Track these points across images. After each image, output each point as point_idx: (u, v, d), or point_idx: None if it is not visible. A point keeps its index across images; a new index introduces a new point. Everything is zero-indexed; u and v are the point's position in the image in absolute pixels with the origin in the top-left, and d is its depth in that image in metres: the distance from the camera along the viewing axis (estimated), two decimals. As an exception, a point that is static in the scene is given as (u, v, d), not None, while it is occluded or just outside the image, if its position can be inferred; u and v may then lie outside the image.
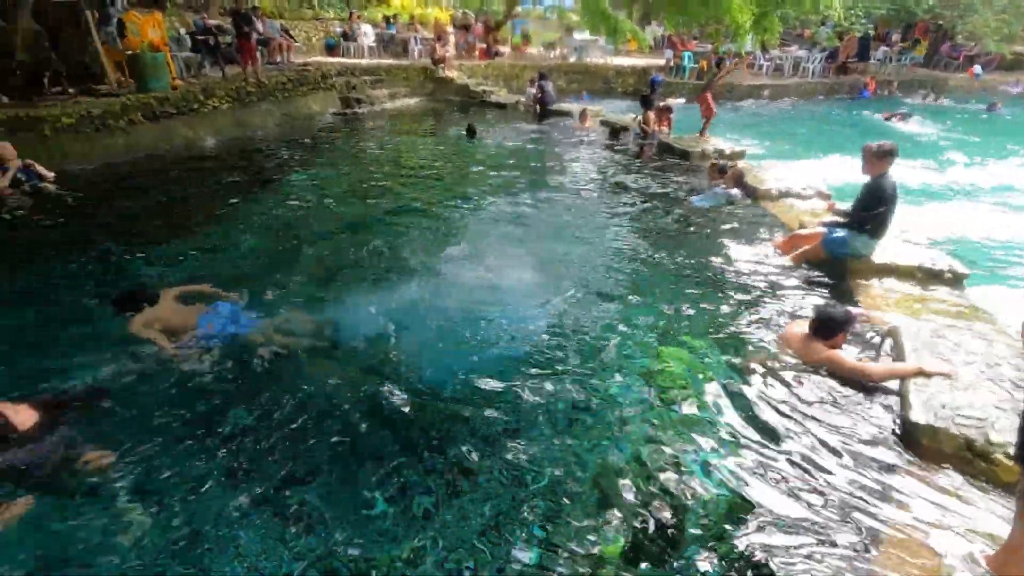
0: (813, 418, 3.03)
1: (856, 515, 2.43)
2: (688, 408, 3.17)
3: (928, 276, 4.45)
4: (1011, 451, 2.50)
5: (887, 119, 13.84)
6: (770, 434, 2.94)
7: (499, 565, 2.26)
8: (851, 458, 2.75)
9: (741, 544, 2.32)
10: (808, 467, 2.71)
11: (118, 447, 2.74)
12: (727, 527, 2.41)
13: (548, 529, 2.41)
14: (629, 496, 2.58)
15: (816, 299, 4.34)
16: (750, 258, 5.14)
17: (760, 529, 2.39)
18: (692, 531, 2.41)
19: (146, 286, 4.06)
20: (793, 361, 3.50)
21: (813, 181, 6.98)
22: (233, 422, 3.03)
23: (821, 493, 2.56)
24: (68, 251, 5.17)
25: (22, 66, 7.86)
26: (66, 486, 2.52)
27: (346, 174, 8.19)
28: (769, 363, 3.51)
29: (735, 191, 6.73)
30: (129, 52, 9.08)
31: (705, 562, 2.27)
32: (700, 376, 3.43)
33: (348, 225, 6.10)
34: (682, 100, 15.27)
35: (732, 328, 3.97)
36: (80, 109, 7.62)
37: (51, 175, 6.67)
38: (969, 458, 2.63)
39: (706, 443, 2.89)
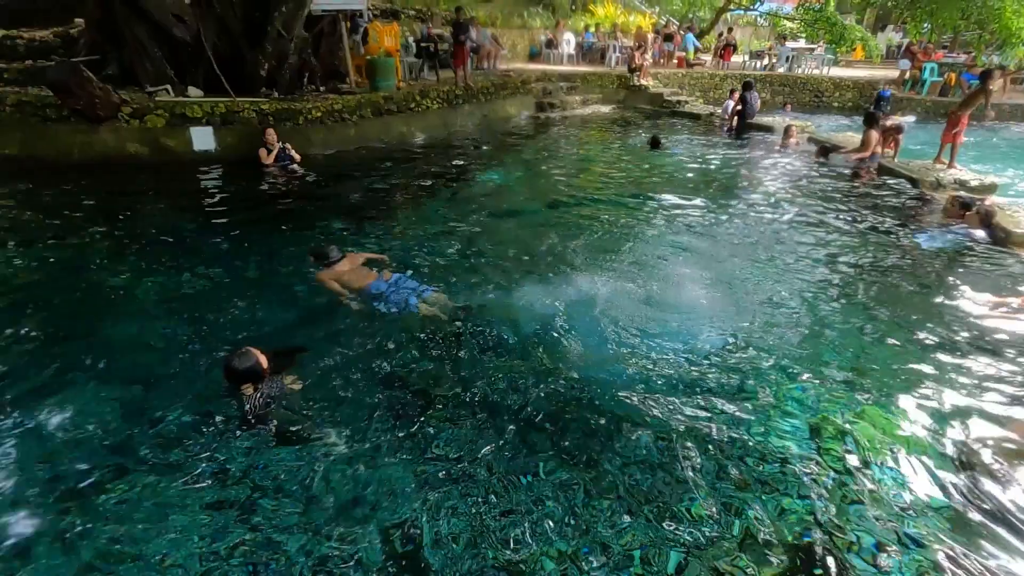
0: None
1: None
2: (870, 482, 2.73)
3: None
4: None
5: None
6: (970, 539, 2.41)
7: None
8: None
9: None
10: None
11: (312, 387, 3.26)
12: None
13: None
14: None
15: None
16: (992, 317, 4.24)
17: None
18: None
19: (335, 247, 4.68)
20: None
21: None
22: (394, 377, 3.46)
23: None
24: (302, 216, 6.24)
25: (291, 68, 9.59)
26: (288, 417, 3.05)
27: (529, 173, 8.58)
28: (996, 456, 2.86)
29: (979, 232, 5.61)
30: (368, 57, 10.55)
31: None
32: (895, 449, 2.93)
33: (526, 220, 6.41)
34: (912, 118, 13.12)
35: (954, 400, 3.32)
36: (326, 104, 9.07)
37: (298, 157, 8.06)
38: None
39: (882, 529, 2.46)
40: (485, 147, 10.15)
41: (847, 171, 8.36)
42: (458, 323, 4.10)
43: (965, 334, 4.04)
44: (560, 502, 2.58)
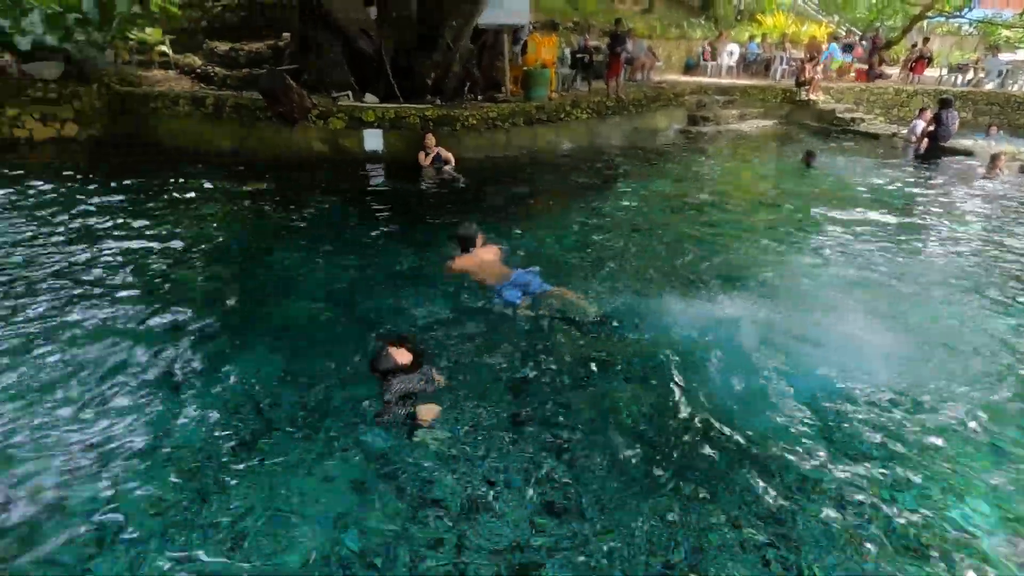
0: None
1: None
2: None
3: None
4: None
5: None
6: None
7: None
8: None
9: None
10: None
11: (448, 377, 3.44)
12: None
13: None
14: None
15: None
16: None
17: None
18: None
19: (474, 236, 4.89)
20: None
21: None
22: (519, 372, 3.56)
23: None
24: (450, 215, 6.62)
25: (455, 77, 10.28)
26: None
27: (674, 186, 8.32)
28: None
29: None
30: (525, 68, 10.94)
31: None
32: None
33: (666, 234, 6.25)
34: None
35: None
36: (482, 112, 9.58)
37: (453, 160, 8.60)
38: None
39: None
40: (631, 159, 10.01)
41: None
42: (586, 330, 4.10)
43: None
44: (667, 546, 2.44)
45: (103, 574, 2.29)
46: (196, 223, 6.30)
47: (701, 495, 2.68)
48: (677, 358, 3.74)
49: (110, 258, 5.26)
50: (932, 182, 8.62)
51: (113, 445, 2.95)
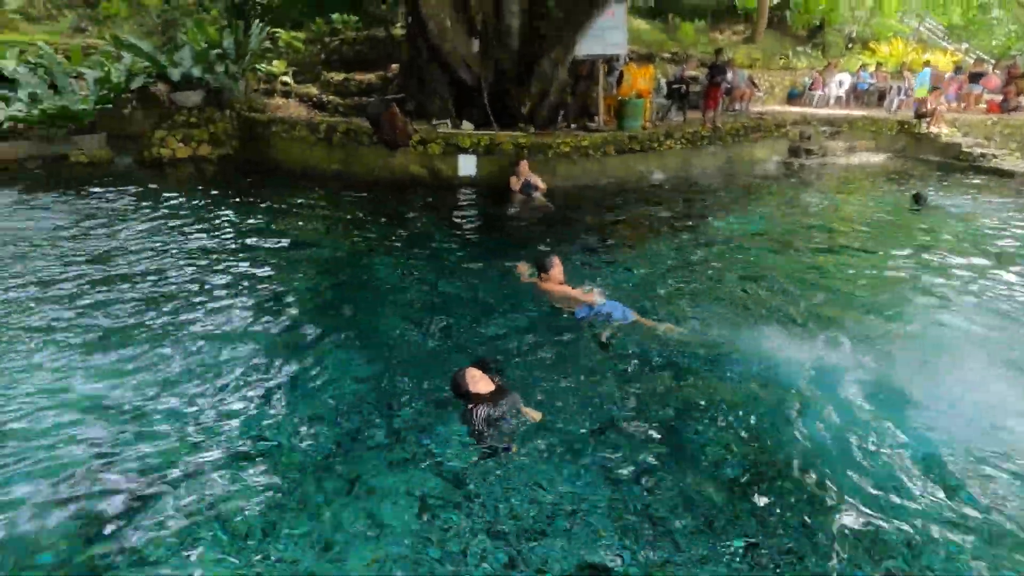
0: None
1: None
2: None
3: None
4: None
5: None
6: None
7: None
8: None
9: None
10: None
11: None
12: None
13: None
14: None
15: None
16: None
17: None
18: None
19: (549, 262, 4.91)
20: None
21: None
22: (600, 399, 3.51)
23: None
24: (538, 241, 6.72)
25: (549, 106, 10.49)
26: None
27: (772, 220, 7.96)
28: None
29: None
30: (619, 98, 10.96)
31: None
32: None
33: (760, 269, 5.98)
34: None
35: None
36: (575, 141, 9.68)
37: (544, 187, 8.72)
38: None
39: None
40: (726, 190, 9.68)
41: None
42: (673, 366, 3.97)
43: None
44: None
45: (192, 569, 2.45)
46: (302, 237, 6.82)
47: (786, 555, 2.47)
48: (770, 402, 3.54)
49: (225, 265, 5.81)
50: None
51: (213, 445, 3.19)
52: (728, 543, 2.52)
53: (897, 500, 2.77)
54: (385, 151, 9.61)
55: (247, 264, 5.85)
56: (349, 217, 7.71)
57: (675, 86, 12.59)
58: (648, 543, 2.51)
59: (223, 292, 5.16)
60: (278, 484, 2.89)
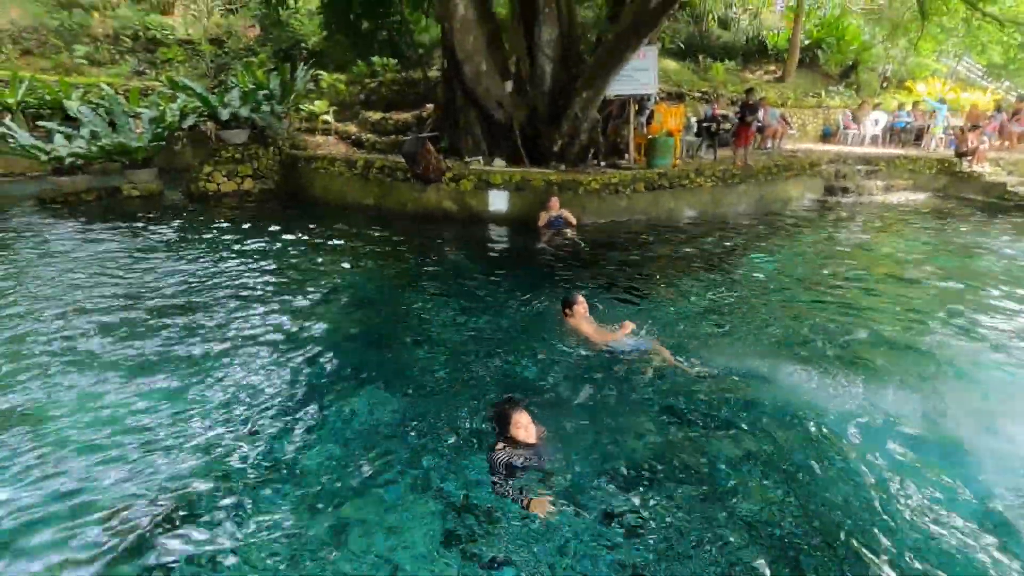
0: None
1: None
2: None
3: None
4: None
5: None
6: None
7: None
8: None
9: None
10: None
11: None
12: None
13: None
14: None
15: None
16: None
17: None
18: None
19: (574, 300, 4.93)
20: None
21: None
22: (627, 452, 3.38)
23: None
24: (566, 276, 6.72)
25: (580, 144, 10.67)
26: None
27: (805, 260, 7.79)
28: None
29: None
30: (649, 136, 11.08)
31: None
32: None
33: (795, 309, 5.86)
34: None
35: None
36: (605, 178, 9.78)
37: (574, 222, 8.79)
38: None
39: None
40: (758, 228, 9.56)
41: None
42: (702, 411, 3.88)
43: None
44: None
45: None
46: (337, 269, 7.00)
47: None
48: (812, 453, 3.40)
49: (262, 295, 6.00)
50: None
51: (240, 474, 3.26)
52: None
53: (950, 558, 2.62)
54: (419, 186, 9.88)
55: (284, 294, 6.03)
56: (383, 250, 7.90)
57: (705, 124, 12.67)
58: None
59: (259, 322, 5.31)
60: (301, 517, 2.91)
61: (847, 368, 4.41)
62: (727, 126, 12.62)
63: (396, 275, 6.89)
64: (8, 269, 6.63)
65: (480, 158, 10.63)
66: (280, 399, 3.99)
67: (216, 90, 12.53)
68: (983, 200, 11.84)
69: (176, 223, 8.93)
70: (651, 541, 2.77)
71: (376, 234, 8.75)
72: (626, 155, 11.23)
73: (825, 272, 7.17)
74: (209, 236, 8.21)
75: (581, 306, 4.90)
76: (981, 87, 18.79)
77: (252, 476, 3.20)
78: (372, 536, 2.80)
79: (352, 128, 13.33)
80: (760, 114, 12.25)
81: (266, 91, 11.79)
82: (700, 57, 17.78)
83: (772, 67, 18.80)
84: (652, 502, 3.03)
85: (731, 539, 2.77)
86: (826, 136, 16.19)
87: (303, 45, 16.63)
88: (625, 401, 3.99)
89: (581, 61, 10.94)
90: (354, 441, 3.55)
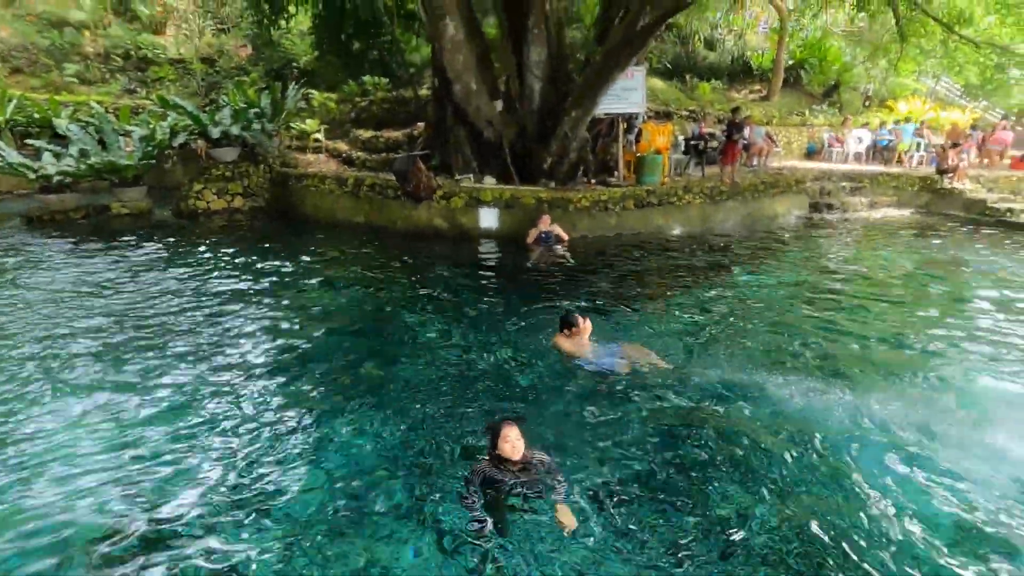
0: None
1: None
2: None
3: None
4: None
5: None
6: None
7: None
8: None
9: None
10: None
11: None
12: None
13: None
14: None
15: None
16: None
17: None
18: None
19: (573, 320, 4.89)
20: None
21: None
22: (620, 467, 3.33)
23: None
24: (556, 292, 6.73)
25: (570, 162, 10.79)
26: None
27: (791, 275, 7.87)
28: None
29: None
30: (638, 154, 11.23)
31: None
32: None
33: (783, 323, 5.94)
34: None
35: None
36: (594, 195, 9.88)
37: (566, 238, 8.86)
38: None
39: None
40: (745, 244, 9.68)
41: None
42: (693, 426, 3.89)
43: None
44: None
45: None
46: (328, 287, 6.97)
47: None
48: (799, 467, 3.42)
49: (251, 314, 5.95)
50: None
51: (230, 496, 3.22)
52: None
53: (935, 567, 2.63)
54: (410, 204, 9.91)
55: (273, 312, 6.00)
56: (373, 267, 7.89)
57: (693, 142, 12.87)
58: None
59: (247, 341, 5.27)
60: (293, 540, 2.87)
61: (832, 381, 4.46)
62: (714, 144, 12.82)
63: (386, 292, 6.87)
64: (-8, 288, 6.55)
65: (470, 176, 10.70)
66: (267, 421, 3.95)
67: (207, 108, 12.55)
68: (964, 216, 12.07)
69: (165, 241, 8.88)
70: (639, 556, 2.77)
71: (366, 252, 8.75)
72: (615, 173, 11.36)
73: (811, 286, 7.26)
74: (197, 254, 8.17)
75: (582, 326, 4.86)
76: (960, 106, 19.27)
77: (237, 501, 3.15)
78: (366, 557, 2.76)
79: (343, 146, 13.39)
80: (746, 132, 12.46)
81: (257, 109, 11.83)
82: (687, 77, 18.13)
83: (757, 86, 19.21)
84: (641, 517, 3.03)
85: (713, 552, 2.77)
86: (810, 153, 16.49)
87: (295, 65, 16.74)
88: (614, 416, 3.98)
89: (570, 81, 11.11)
90: (344, 461, 3.52)
